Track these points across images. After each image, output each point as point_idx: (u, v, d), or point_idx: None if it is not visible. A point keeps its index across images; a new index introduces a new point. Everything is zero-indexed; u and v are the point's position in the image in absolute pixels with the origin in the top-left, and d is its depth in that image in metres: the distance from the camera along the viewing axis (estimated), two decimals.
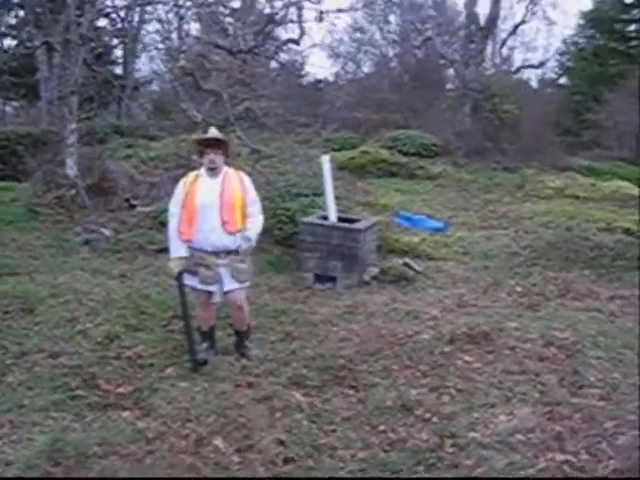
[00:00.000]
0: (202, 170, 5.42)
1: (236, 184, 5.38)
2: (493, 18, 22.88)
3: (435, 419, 4.48)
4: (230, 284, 5.37)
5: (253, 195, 5.50)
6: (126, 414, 4.58)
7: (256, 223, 5.44)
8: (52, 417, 4.47)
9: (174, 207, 5.40)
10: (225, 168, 5.44)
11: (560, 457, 3.86)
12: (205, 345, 5.66)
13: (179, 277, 5.35)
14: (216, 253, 5.29)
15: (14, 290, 6.86)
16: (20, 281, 7.39)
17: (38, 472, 3.74)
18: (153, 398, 4.83)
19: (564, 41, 30.31)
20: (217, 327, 5.88)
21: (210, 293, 5.44)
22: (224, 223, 5.24)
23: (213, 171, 5.34)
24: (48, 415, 4.49)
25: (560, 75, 31.03)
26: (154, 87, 29.75)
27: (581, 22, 28.90)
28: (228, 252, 5.31)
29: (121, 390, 4.95)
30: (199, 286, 5.38)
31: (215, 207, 5.23)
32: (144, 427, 4.38)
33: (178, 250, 5.33)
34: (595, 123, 21.91)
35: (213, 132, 5.46)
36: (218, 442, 4.21)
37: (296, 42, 14.33)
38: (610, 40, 25.56)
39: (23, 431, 4.26)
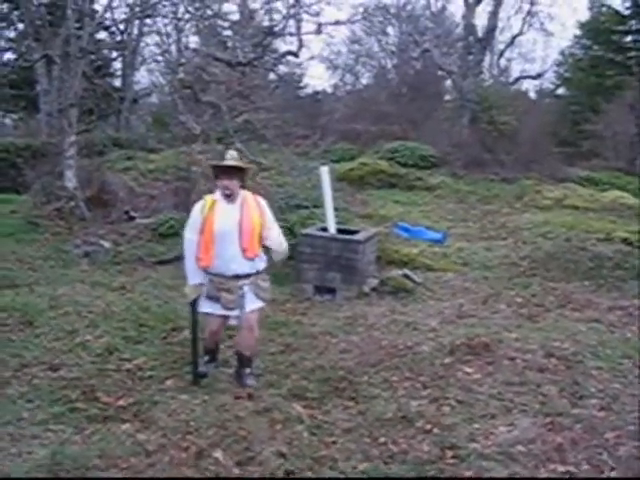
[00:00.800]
0: (218, 194, 5.25)
1: (254, 209, 5.24)
2: (491, 29, 22.99)
3: (436, 430, 4.47)
4: (252, 303, 5.24)
5: (269, 216, 5.39)
6: (126, 426, 4.57)
7: (280, 236, 5.41)
8: (52, 430, 4.46)
9: (190, 233, 5.22)
10: (242, 192, 5.28)
11: (561, 468, 3.86)
12: (207, 358, 5.56)
13: (194, 303, 5.26)
14: (237, 277, 5.15)
15: (13, 302, 6.86)
16: (19, 293, 7.39)
17: None
18: (153, 410, 4.82)
19: (561, 52, 30.48)
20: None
21: (226, 317, 5.31)
22: (244, 250, 5.12)
23: (229, 197, 5.18)
24: (48, 428, 4.49)
25: (558, 86, 31.10)
26: (153, 99, 29.80)
27: (578, 33, 29.02)
28: (248, 275, 5.19)
29: (121, 402, 4.94)
30: (219, 312, 5.22)
31: (234, 234, 5.10)
32: (144, 440, 4.37)
33: (195, 277, 5.20)
34: (593, 133, 21.94)
35: (231, 156, 5.27)
36: (218, 455, 4.19)
37: (295, 54, 14.40)
38: (607, 51, 25.62)
39: (22, 444, 4.25)
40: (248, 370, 5.44)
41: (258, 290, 5.25)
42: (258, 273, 5.26)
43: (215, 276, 5.15)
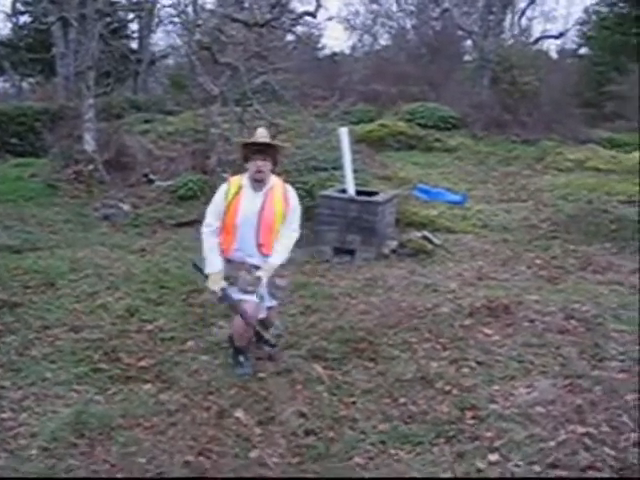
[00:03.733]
0: (245, 178, 4.80)
1: (278, 199, 4.78)
2: None
3: (455, 391, 4.49)
4: (267, 301, 4.90)
5: (295, 212, 4.92)
6: (148, 387, 4.64)
7: (284, 248, 4.84)
8: (75, 390, 4.54)
9: (211, 218, 4.80)
10: (272, 180, 4.83)
11: (580, 429, 3.86)
12: (242, 357, 4.96)
13: (225, 295, 4.71)
14: (255, 267, 4.75)
15: (35, 265, 6.94)
16: (41, 256, 7.46)
17: (63, 443, 3.81)
18: (174, 371, 4.88)
19: (585, 10, 29.78)
20: None
21: (256, 305, 4.77)
22: (260, 246, 4.74)
23: (259, 183, 4.72)
24: (71, 388, 4.56)
25: (581, 45, 30.50)
26: (170, 61, 29.65)
27: None
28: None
29: (142, 363, 5.00)
30: (238, 296, 4.70)
31: (252, 226, 4.70)
32: (166, 399, 4.44)
33: (215, 264, 4.73)
34: (617, 94, 21.51)
35: (262, 133, 4.80)
36: (239, 414, 4.25)
37: (312, 15, 14.13)
38: (633, 8, 25.01)
39: (47, 404, 4.33)
40: (267, 335, 5.19)
41: (274, 289, 4.89)
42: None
43: (234, 260, 4.79)
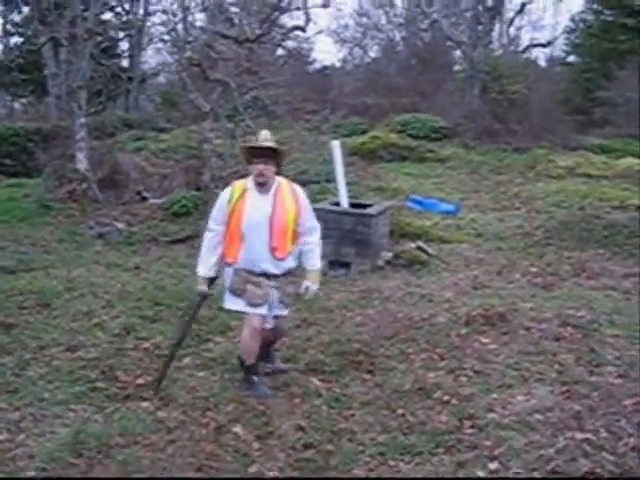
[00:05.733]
0: (250, 182, 4.65)
1: (289, 200, 4.65)
2: None
3: (453, 401, 4.48)
4: (278, 309, 4.74)
5: (308, 210, 4.80)
6: (146, 404, 4.62)
7: (317, 248, 4.86)
8: (73, 409, 4.52)
9: (214, 224, 4.68)
10: (277, 180, 4.69)
11: (579, 435, 3.86)
12: (257, 379, 4.87)
13: (202, 297, 4.79)
14: (265, 275, 4.63)
15: (30, 285, 6.92)
16: (35, 276, 7.45)
17: (61, 464, 3.78)
18: (172, 388, 4.86)
19: (572, 18, 29.99)
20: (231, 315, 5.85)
21: (262, 317, 4.68)
22: (273, 250, 4.57)
23: (263, 186, 4.59)
24: (69, 407, 4.54)
25: (569, 53, 30.66)
26: (161, 79, 29.75)
27: None
28: (276, 276, 4.67)
29: (140, 381, 4.98)
30: (243, 309, 4.67)
31: (264, 230, 4.53)
32: (164, 417, 4.42)
33: (205, 267, 4.70)
34: (605, 101, 21.64)
35: (264, 137, 4.64)
36: (238, 429, 4.24)
37: (302, 29, 14.23)
38: (619, 15, 25.19)
39: (45, 424, 4.31)
40: (277, 353, 5.28)
41: (283, 296, 4.72)
42: (288, 273, 4.75)
43: (241, 271, 4.63)
